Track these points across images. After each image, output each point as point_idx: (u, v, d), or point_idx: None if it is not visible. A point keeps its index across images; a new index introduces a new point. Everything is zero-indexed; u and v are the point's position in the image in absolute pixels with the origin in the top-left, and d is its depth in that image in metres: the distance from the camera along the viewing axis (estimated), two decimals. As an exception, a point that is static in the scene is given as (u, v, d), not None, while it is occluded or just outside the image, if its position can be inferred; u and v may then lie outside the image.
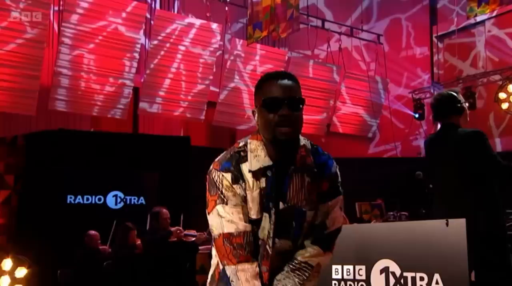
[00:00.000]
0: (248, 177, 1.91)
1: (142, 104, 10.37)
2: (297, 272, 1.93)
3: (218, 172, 1.94)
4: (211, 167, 2.00)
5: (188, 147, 8.95)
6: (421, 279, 2.76)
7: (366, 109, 12.36)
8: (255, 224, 1.92)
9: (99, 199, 8.12)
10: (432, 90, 11.86)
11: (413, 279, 2.79)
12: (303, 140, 2.02)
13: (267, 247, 1.92)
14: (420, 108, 11.68)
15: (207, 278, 5.94)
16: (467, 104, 3.65)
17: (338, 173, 2.09)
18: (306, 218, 1.94)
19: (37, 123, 9.66)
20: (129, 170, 8.32)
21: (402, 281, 2.84)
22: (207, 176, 2.00)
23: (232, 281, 1.89)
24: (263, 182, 1.90)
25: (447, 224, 2.71)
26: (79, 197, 7.99)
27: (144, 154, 8.45)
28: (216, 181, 1.93)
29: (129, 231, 6.54)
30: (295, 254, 1.96)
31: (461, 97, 3.62)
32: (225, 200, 1.90)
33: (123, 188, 8.25)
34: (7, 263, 7.34)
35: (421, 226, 2.89)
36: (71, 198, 7.94)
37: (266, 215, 1.92)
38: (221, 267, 1.96)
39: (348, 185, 9.44)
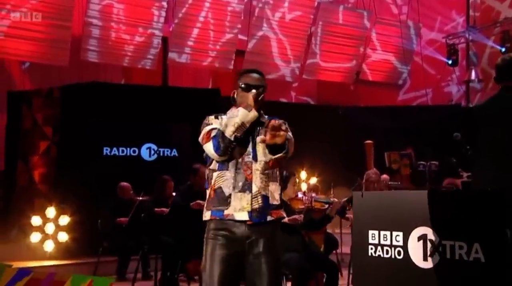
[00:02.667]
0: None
1: (171, 55, 10.33)
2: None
3: (207, 117, 2.87)
4: None
5: (217, 99, 8.94)
6: (460, 247, 2.78)
7: (397, 55, 12.05)
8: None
9: (134, 151, 8.26)
10: (467, 35, 11.47)
11: (452, 247, 2.81)
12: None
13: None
14: (454, 54, 11.33)
15: None
16: None
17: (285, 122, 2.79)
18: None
19: (70, 75, 9.74)
20: (162, 122, 8.39)
21: (440, 249, 2.86)
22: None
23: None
24: None
25: (488, 194, 2.70)
26: (115, 149, 8.13)
27: (175, 107, 8.49)
28: (205, 121, 2.85)
29: (166, 183, 6.68)
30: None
31: None
32: (210, 124, 2.79)
33: (156, 140, 8.35)
34: (51, 211, 7.66)
35: (461, 195, 2.88)
36: (107, 150, 8.09)
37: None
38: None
39: (378, 133, 9.39)
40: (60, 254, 7.65)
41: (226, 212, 2.67)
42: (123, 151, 8.16)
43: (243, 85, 2.81)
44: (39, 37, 9.08)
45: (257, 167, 2.70)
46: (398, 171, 9.93)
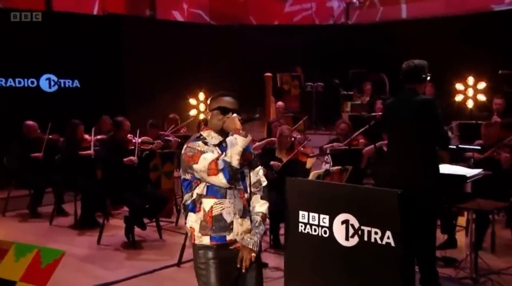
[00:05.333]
0: (211, 146, 2.87)
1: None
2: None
3: (192, 143, 2.84)
4: (185, 146, 2.87)
5: (119, 28, 8.57)
6: (376, 233, 3.45)
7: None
8: None
9: (32, 82, 7.83)
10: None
11: (369, 232, 3.47)
12: None
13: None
14: (339, -26, 11.73)
15: (159, 175, 6.59)
16: (429, 75, 4.06)
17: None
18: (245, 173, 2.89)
19: None
20: (61, 51, 7.93)
21: (359, 232, 3.52)
22: (184, 155, 2.83)
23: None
24: (219, 150, 2.85)
25: (398, 196, 3.35)
26: (10, 80, 7.64)
27: (75, 34, 8.03)
28: (193, 146, 2.81)
29: (77, 127, 6.61)
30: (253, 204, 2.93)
31: (426, 70, 4.02)
32: (205, 151, 2.79)
33: (56, 71, 7.95)
34: None
35: (379, 193, 3.51)
36: (1, 81, 7.58)
37: None
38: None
39: (267, 53, 9.89)
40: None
41: (228, 238, 2.81)
42: (20, 82, 7.70)
43: (220, 108, 2.81)
44: None
45: (248, 197, 2.89)
46: (289, 91, 10.62)
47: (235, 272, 2.85)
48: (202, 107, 9.98)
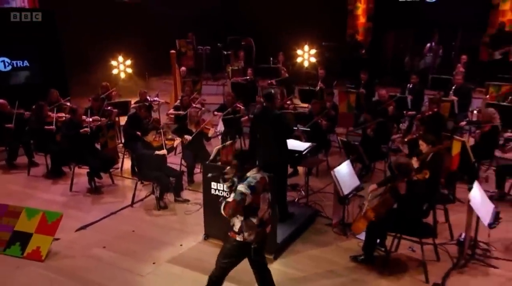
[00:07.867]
0: None
1: None
2: None
3: None
4: None
5: (54, 22, 8.14)
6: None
7: None
8: None
9: (-10, 65, 7.45)
10: None
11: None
12: None
13: None
14: None
15: (106, 139, 7.56)
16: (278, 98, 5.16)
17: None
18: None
19: None
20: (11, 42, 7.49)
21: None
22: None
23: None
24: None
25: (269, 178, 4.60)
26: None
27: (18, 28, 7.55)
28: None
29: (43, 107, 6.75)
30: None
31: (278, 95, 5.08)
32: None
33: (9, 55, 7.60)
34: None
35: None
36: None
37: None
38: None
39: (169, 22, 10.51)
40: None
41: None
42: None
43: None
44: None
45: None
46: (185, 53, 11.02)
47: None
48: (122, 67, 10.14)
